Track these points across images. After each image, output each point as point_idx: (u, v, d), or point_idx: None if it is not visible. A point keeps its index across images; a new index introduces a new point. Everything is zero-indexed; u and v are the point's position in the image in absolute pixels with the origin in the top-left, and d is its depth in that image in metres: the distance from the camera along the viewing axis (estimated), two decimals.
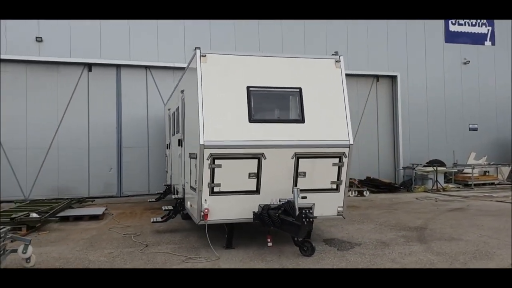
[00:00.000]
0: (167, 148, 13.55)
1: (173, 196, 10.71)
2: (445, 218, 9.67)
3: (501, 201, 12.29)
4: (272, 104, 7.32)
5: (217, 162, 6.64)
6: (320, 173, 7.07)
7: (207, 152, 6.55)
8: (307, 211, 6.41)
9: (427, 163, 17.37)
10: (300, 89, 7.13)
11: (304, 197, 6.81)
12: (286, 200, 6.78)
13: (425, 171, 16.54)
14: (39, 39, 14.27)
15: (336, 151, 7.02)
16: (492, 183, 17.40)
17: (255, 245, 7.19)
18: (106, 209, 11.82)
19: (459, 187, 16.73)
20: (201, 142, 6.52)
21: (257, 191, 6.91)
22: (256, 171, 6.82)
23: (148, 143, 15.62)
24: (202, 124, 6.58)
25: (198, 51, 6.93)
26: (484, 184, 17.26)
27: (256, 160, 6.78)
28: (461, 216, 9.84)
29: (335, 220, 9.56)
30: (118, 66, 15.37)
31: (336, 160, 7.06)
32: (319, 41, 17.07)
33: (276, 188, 6.92)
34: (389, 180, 16.45)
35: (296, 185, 6.97)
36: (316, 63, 7.42)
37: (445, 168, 16.90)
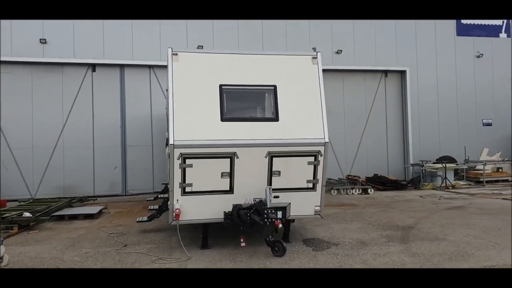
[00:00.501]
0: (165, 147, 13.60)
1: (159, 196, 10.74)
2: (439, 217, 9.37)
3: (506, 199, 11.85)
4: (246, 102, 7.22)
5: (188, 161, 6.58)
6: (295, 172, 6.94)
7: (177, 152, 6.50)
8: (270, 211, 6.29)
9: (437, 159, 16.92)
10: (275, 86, 7.00)
11: (277, 196, 6.74)
12: (259, 200, 6.66)
13: (434, 168, 16.12)
14: (43, 41, 14.51)
15: (311, 150, 6.88)
16: (506, 180, 16.82)
17: (232, 245, 7.10)
18: (105, 208, 11.95)
19: (470, 184, 16.25)
20: (171, 142, 6.48)
21: (231, 191, 6.83)
22: (228, 171, 6.74)
23: (152, 142, 15.69)
24: (172, 123, 6.54)
25: (169, 49, 6.88)
26: (497, 181, 16.71)
27: (229, 160, 6.69)
28: (456, 215, 9.52)
29: (324, 219, 9.43)
30: (121, 66, 15.50)
31: (312, 159, 6.92)
32: (324, 37, 16.81)
33: (250, 188, 6.82)
34: (396, 177, 16.08)
35: (270, 184, 6.87)
36: (293, 60, 7.27)
37: (454, 165, 16.42)
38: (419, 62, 17.89)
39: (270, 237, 6.52)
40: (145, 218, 8.76)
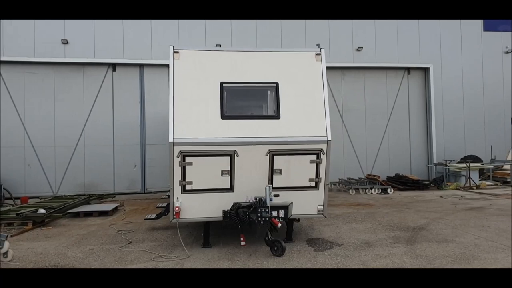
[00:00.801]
0: None
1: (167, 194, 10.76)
2: (454, 218, 9.05)
3: None
4: (247, 100, 7.15)
5: (187, 159, 6.57)
6: (297, 170, 6.82)
7: (176, 150, 6.50)
8: (264, 210, 6.19)
9: (461, 159, 16.40)
10: (277, 84, 6.91)
11: (276, 195, 6.64)
12: (259, 199, 6.58)
13: (457, 167, 15.64)
14: (64, 41, 14.83)
15: (313, 148, 6.74)
16: None
17: (234, 244, 7.06)
18: (121, 205, 12.13)
19: (496, 185, 15.68)
20: (170, 140, 6.48)
21: (231, 189, 6.78)
22: (228, 169, 6.68)
23: None
24: (172, 121, 6.54)
25: (171, 47, 6.89)
26: None
27: (228, 157, 6.64)
28: (473, 216, 9.18)
29: (335, 219, 9.28)
30: (141, 66, 15.67)
31: (314, 157, 6.78)
32: (345, 34, 16.56)
33: (251, 186, 6.74)
34: (417, 177, 15.65)
35: (271, 183, 6.78)
36: (295, 56, 7.15)
37: (479, 164, 15.87)
38: (443, 58, 17.37)
39: (270, 236, 6.44)
40: (153, 216, 8.79)
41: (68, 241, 7.87)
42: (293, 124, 6.75)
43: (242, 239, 6.69)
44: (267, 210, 6.21)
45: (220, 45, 14.83)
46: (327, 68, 16.33)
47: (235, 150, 6.61)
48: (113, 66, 15.48)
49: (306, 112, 6.84)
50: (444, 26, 17.36)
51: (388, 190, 14.16)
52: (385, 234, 7.63)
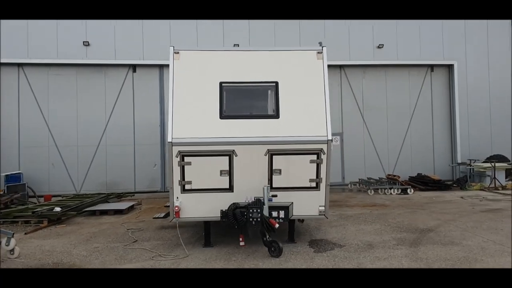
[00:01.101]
0: None
1: None
2: (467, 219, 8.77)
3: None
4: (247, 99, 7.11)
5: (186, 159, 6.61)
6: (297, 170, 6.75)
7: (175, 150, 6.55)
8: (253, 210, 6.15)
9: (487, 158, 15.85)
10: (277, 83, 6.86)
11: (275, 195, 6.60)
12: (257, 199, 6.54)
13: (482, 167, 15.14)
14: (86, 43, 15.19)
15: (312, 147, 6.66)
16: None
17: (234, 244, 7.03)
18: (138, 204, 12.33)
19: None
20: (169, 140, 6.54)
21: (230, 189, 6.78)
22: (227, 169, 6.69)
23: None
24: (171, 121, 6.60)
25: (171, 48, 6.94)
26: None
27: (227, 157, 6.64)
28: (488, 218, 8.86)
29: (344, 219, 9.16)
30: (160, 66, 15.88)
31: (314, 157, 6.70)
32: (365, 32, 16.30)
33: (251, 186, 6.71)
34: (439, 177, 15.23)
35: (271, 183, 6.75)
36: (297, 55, 7.09)
37: (506, 164, 15.30)
38: (468, 55, 16.84)
39: (268, 237, 6.39)
40: (162, 215, 8.89)
41: (78, 239, 8.05)
42: (292, 124, 6.69)
43: (241, 239, 6.68)
44: (257, 210, 6.16)
45: (238, 45, 14.84)
46: (347, 65, 16.45)
47: (234, 150, 6.61)
48: (134, 67, 15.75)
49: (306, 112, 6.77)
50: (469, 21, 16.81)
51: (408, 191, 13.84)
52: (391, 236, 7.47)
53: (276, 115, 6.74)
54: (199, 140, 6.56)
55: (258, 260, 6.19)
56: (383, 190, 13.89)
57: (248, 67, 6.96)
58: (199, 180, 6.71)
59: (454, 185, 15.17)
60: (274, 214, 6.62)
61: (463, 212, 9.70)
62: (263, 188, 6.48)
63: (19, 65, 15.14)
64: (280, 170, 6.72)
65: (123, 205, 11.62)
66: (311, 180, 6.80)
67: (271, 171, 6.73)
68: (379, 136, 16.76)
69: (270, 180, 6.76)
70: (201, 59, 6.97)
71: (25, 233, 8.66)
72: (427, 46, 16.65)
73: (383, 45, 16.36)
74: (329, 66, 15.92)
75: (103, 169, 15.61)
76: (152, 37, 15.57)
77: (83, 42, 15.19)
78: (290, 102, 6.78)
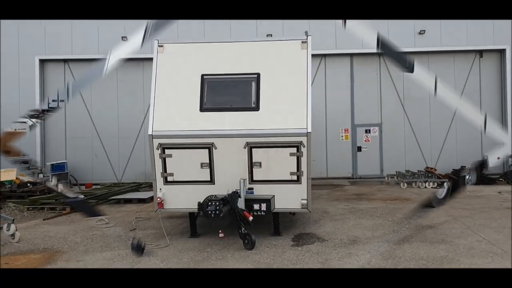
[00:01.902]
0: None
1: None
2: (481, 217, 8.16)
3: None
4: (228, 92, 7.06)
5: (167, 151, 6.74)
6: (277, 163, 6.65)
7: (156, 142, 6.71)
8: (215, 204, 6.10)
9: None
10: (258, 74, 6.78)
11: (251, 188, 6.57)
12: (233, 191, 6.53)
13: None
14: (124, 39, 15.78)
15: (292, 140, 6.51)
16: None
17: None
18: None
19: None
20: (149, 132, 6.70)
21: (212, 181, 6.82)
22: (208, 161, 6.73)
23: None
24: (152, 114, 6.75)
25: (155, 41, 7.07)
26: None
27: (207, 150, 6.68)
28: (506, 215, 8.19)
29: (351, 213, 8.89)
30: None
31: (294, 150, 6.55)
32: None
33: (232, 178, 6.69)
34: (485, 171, 14.18)
35: (252, 176, 6.70)
36: (280, 45, 6.95)
37: None
38: None
39: (243, 229, 6.36)
40: None
41: (84, 226, 8.47)
42: (272, 116, 6.59)
43: (220, 231, 6.70)
44: (216, 203, 6.10)
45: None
46: None
47: (213, 143, 6.63)
48: None
49: (287, 104, 6.63)
50: None
51: (445, 184, 13.04)
52: (384, 232, 7.15)
53: (256, 108, 6.66)
54: (179, 133, 6.65)
55: (228, 252, 6.21)
56: (417, 183, 13.24)
57: (231, 59, 6.93)
58: (181, 172, 6.81)
59: (501, 179, 14.12)
60: (256, 206, 6.58)
61: (485, 208, 9.04)
62: (240, 181, 6.45)
63: (65, 60, 16.10)
64: (260, 163, 6.65)
65: (146, 194, 12.04)
66: (291, 173, 6.67)
67: (251, 164, 6.67)
68: (421, 127, 15.95)
69: (251, 173, 6.72)
70: (185, 52, 7.05)
71: (44, 219, 9.26)
72: (474, 30, 15.49)
73: (425, 31, 15.48)
74: (366, 54, 15.65)
75: (142, 160, 16.16)
76: (185, 33, 15.86)
77: (122, 37, 15.79)
78: (271, 94, 6.67)
